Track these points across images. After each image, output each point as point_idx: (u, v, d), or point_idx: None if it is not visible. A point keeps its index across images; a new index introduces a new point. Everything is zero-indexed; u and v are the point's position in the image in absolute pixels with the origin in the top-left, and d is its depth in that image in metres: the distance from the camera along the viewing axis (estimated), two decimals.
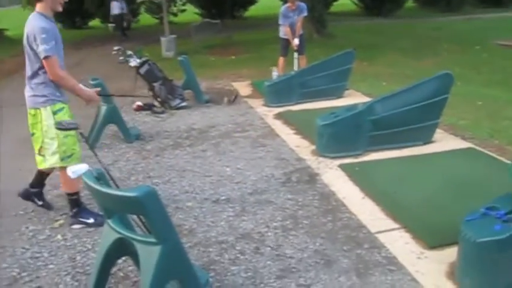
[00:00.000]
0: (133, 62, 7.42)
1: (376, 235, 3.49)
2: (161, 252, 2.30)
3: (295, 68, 8.36)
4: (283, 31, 8.56)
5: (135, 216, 2.71)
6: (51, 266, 3.32)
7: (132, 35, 20.10)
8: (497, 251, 2.59)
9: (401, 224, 3.60)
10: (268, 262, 3.20)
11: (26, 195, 4.13)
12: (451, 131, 5.77)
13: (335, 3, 26.96)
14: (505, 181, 3.24)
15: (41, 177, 4.08)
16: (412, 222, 3.60)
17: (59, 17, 26.72)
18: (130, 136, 5.99)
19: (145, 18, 26.09)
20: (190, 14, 25.91)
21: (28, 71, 3.60)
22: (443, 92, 5.15)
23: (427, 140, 5.31)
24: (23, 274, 3.25)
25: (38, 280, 3.17)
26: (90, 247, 3.53)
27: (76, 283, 3.11)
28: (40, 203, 4.16)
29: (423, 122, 5.18)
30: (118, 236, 2.49)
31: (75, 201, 3.95)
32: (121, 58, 7.98)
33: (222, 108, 7.46)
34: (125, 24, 19.14)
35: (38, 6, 3.50)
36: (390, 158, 4.94)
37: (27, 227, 3.91)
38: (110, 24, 19.92)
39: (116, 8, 18.18)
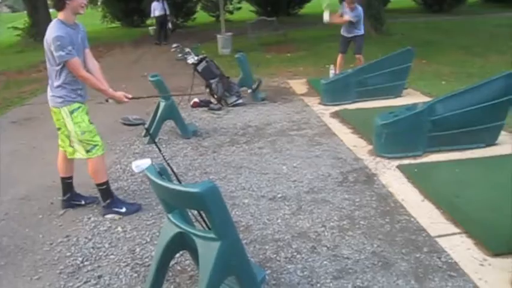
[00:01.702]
0: (191, 59, 7.53)
1: (436, 239, 3.38)
2: (220, 248, 2.32)
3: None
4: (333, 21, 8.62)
5: (195, 212, 2.75)
6: (111, 257, 3.43)
7: (188, 33, 20.43)
8: None
9: (463, 229, 3.47)
10: (325, 262, 3.17)
11: (68, 205, 4.30)
12: None
13: (393, 0, 26.40)
14: None
15: (66, 181, 4.27)
16: (475, 228, 3.46)
17: (117, 16, 27.67)
18: (187, 132, 6.10)
19: (201, 16, 26.48)
20: (246, 11, 26.12)
21: (49, 73, 3.85)
22: (509, 92, 4.92)
23: (491, 142, 5.10)
24: (86, 263, 3.38)
25: (100, 269, 3.28)
26: (148, 240, 3.62)
27: (135, 274, 3.19)
28: (83, 202, 4.32)
29: (487, 123, 4.98)
30: (178, 230, 2.54)
31: (106, 191, 4.12)
32: (179, 55, 8.14)
33: (278, 106, 7.46)
34: (169, 26, 18.19)
35: (59, 14, 3.73)
36: (451, 160, 4.78)
37: (89, 218, 4.07)
38: (150, 27, 19.28)
39: (157, 9, 17.20)
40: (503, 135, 5.24)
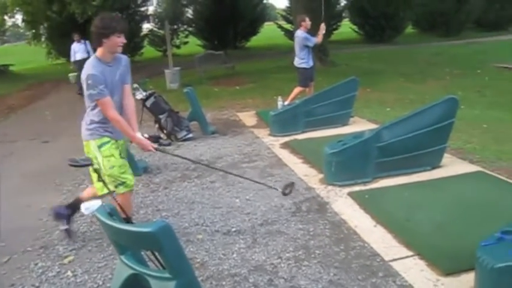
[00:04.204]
0: (140, 94, 7.47)
1: (390, 263, 3.44)
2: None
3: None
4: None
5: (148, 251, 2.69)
6: None
7: (136, 68, 20.20)
8: None
9: (415, 251, 3.55)
10: None
11: (58, 215, 4.22)
12: (458, 155, 5.75)
13: (335, 31, 27.32)
14: None
15: (79, 203, 4.08)
16: (426, 249, 3.55)
17: (62, 53, 27.06)
18: (138, 169, 5.96)
19: (148, 51, 26.44)
20: (193, 46, 26.30)
21: (86, 107, 3.85)
22: (449, 116, 5.15)
23: (436, 165, 5.29)
24: None
25: None
26: (101, 283, 3.49)
27: None
28: (64, 227, 4.22)
29: (431, 147, 5.17)
30: (131, 271, 2.47)
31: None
32: None
33: (228, 139, 7.47)
34: None
35: (98, 50, 3.75)
36: (399, 185, 4.91)
37: (36, 264, 3.87)
38: (70, 74, 15.76)
39: (79, 52, 13.64)
40: (446, 158, 5.45)
